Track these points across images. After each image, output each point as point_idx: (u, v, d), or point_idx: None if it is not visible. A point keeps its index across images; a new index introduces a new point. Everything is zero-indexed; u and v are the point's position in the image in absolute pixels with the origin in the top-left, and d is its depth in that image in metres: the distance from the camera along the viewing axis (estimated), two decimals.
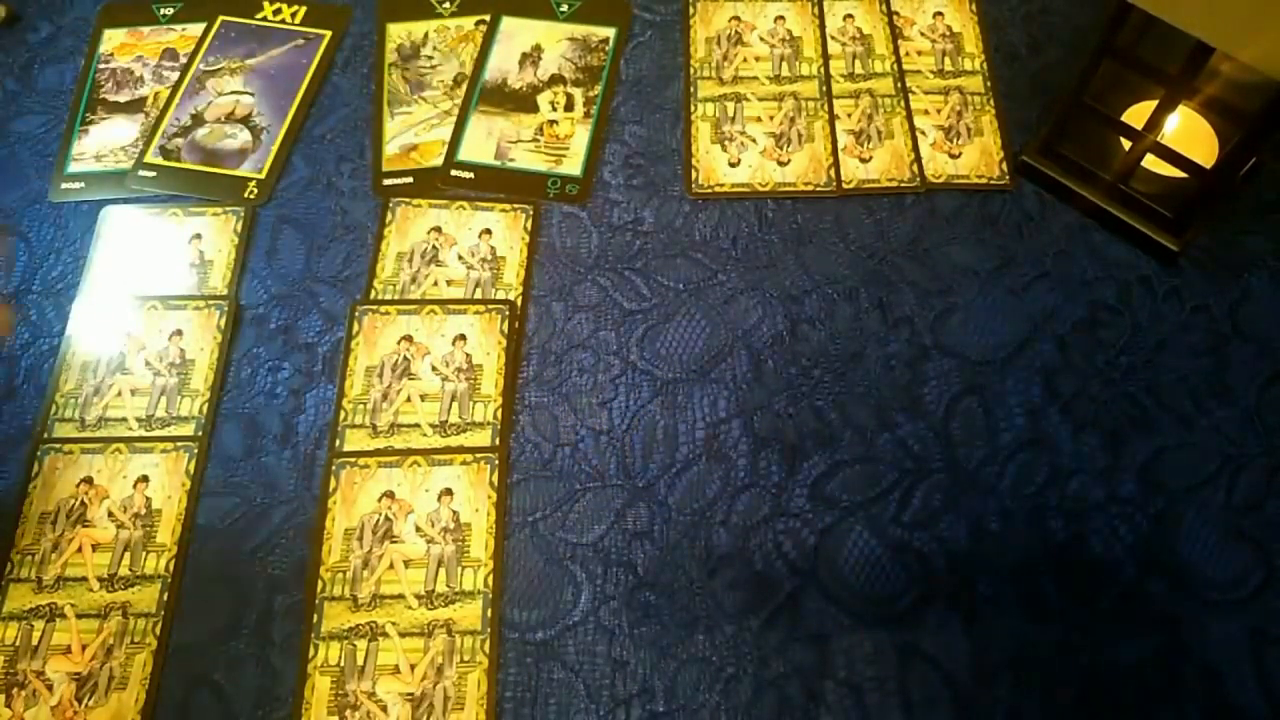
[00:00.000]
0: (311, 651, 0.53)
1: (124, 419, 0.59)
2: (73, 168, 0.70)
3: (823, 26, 0.75)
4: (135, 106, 0.73)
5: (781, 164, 0.68)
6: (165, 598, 0.54)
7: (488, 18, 0.77)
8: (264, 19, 0.78)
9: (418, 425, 0.59)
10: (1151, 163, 0.62)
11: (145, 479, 0.57)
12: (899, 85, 0.72)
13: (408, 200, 0.68)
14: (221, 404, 0.60)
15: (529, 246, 0.66)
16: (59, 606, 0.54)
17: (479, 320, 0.62)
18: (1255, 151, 0.58)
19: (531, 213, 0.67)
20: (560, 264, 0.65)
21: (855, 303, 0.63)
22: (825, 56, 0.73)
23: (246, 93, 0.73)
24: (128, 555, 0.55)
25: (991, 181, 0.67)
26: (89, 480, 0.57)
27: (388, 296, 0.64)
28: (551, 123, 0.71)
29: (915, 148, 0.69)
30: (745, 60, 0.74)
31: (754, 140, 0.70)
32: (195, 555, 0.56)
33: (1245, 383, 0.59)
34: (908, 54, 0.73)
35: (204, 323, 0.63)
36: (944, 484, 0.57)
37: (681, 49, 0.75)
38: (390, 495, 0.57)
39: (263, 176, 0.69)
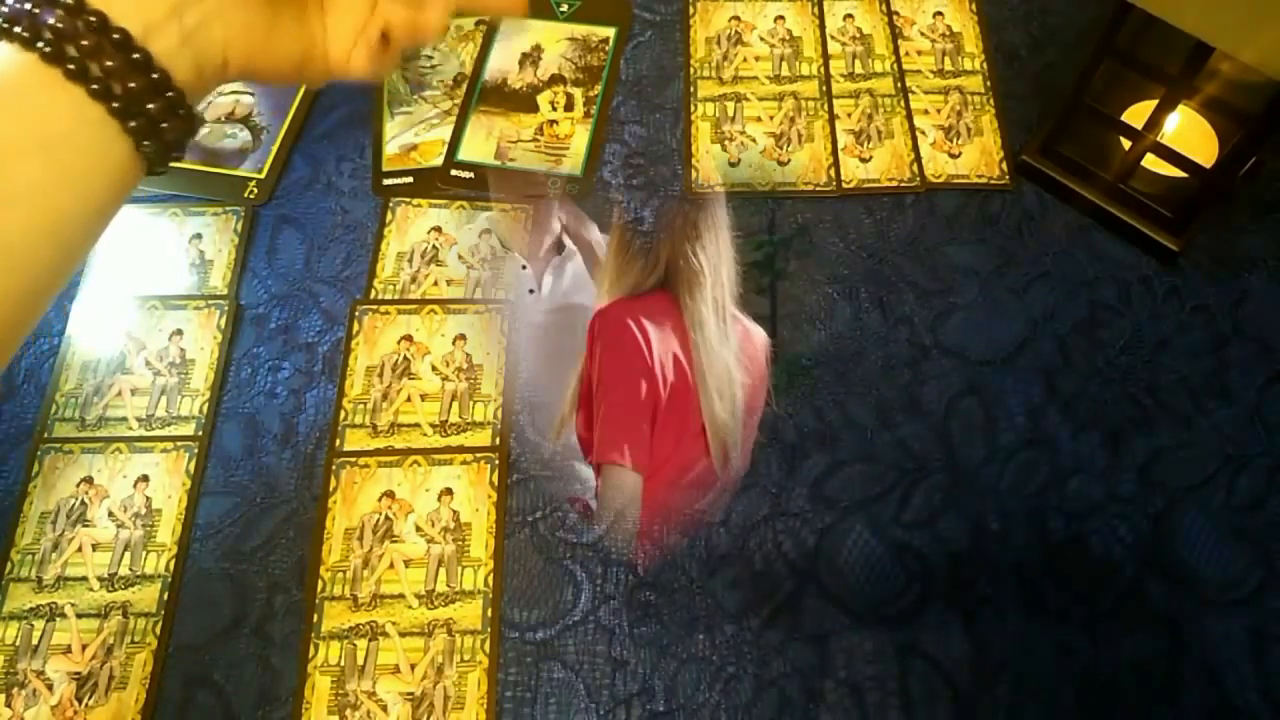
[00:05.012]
0: (312, 651, 0.53)
1: (124, 419, 0.59)
2: None
3: (823, 26, 0.75)
4: None
5: (781, 164, 0.68)
6: (165, 597, 0.54)
7: (488, 18, 0.77)
8: None
9: (418, 425, 0.59)
10: (1151, 162, 0.62)
11: (145, 478, 0.57)
12: (899, 85, 0.72)
13: (408, 200, 0.68)
14: (222, 404, 0.60)
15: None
16: (59, 606, 0.54)
17: (479, 320, 0.62)
18: (1255, 151, 0.59)
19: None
20: None
21: (855, 302, 0.63)
22: (825, 56, 0.73)
23: (246, 92, 0.73)
24: (128, 555, 0.55)
25: (991, 181, 0.67)
26: (89, 480, 0.57)
27: (388, 296, 0.64)
28: (551, 123, 0.71)
29: (915, 147, 0.69)
30: (745, 60, 0.74)
31: (754, 140, 0.70)
32: (195, 555, 0.56)
33: (1245, 383, 0.59)
34: (908, 54, 0.73)
35: (204, 322, 0.63)
36: (944, 484, 0.57)
37: (681, 49, 0.74)
38: (390, 495, 0.57)
39: (263, 176, 0.69)
